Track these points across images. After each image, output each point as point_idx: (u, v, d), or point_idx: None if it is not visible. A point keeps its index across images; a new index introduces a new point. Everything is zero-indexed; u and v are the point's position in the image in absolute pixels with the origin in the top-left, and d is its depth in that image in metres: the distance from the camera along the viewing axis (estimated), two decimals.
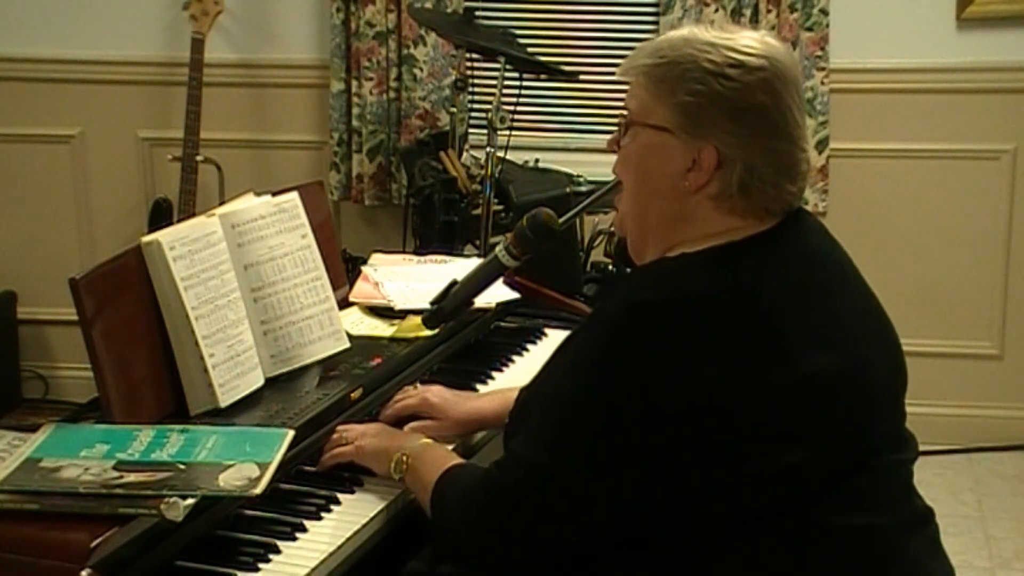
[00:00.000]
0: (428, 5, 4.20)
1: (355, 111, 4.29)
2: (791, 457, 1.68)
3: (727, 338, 1.68)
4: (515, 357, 2.57)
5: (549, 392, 1.78)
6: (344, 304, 2.52)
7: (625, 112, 1.82)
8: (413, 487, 1.97)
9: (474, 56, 4.14)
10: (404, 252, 3.36)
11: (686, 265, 1.75)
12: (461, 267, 2.63)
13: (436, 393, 2.22)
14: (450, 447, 2.11)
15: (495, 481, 1.78)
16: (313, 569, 1.81)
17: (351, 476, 2.05)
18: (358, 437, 2.07)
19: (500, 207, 3.76)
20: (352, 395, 2.20)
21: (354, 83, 4.27)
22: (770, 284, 1.74)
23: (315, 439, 2.09)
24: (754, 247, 1.76)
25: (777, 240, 1.77)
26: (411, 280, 2.66)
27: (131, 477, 1.77)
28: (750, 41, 1.76)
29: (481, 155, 3.79)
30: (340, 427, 2.11)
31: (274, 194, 2.34)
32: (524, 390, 1.95)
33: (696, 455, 1.66)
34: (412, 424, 2.18)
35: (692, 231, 1.78)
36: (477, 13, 4.18)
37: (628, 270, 3.59)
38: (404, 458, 1.99)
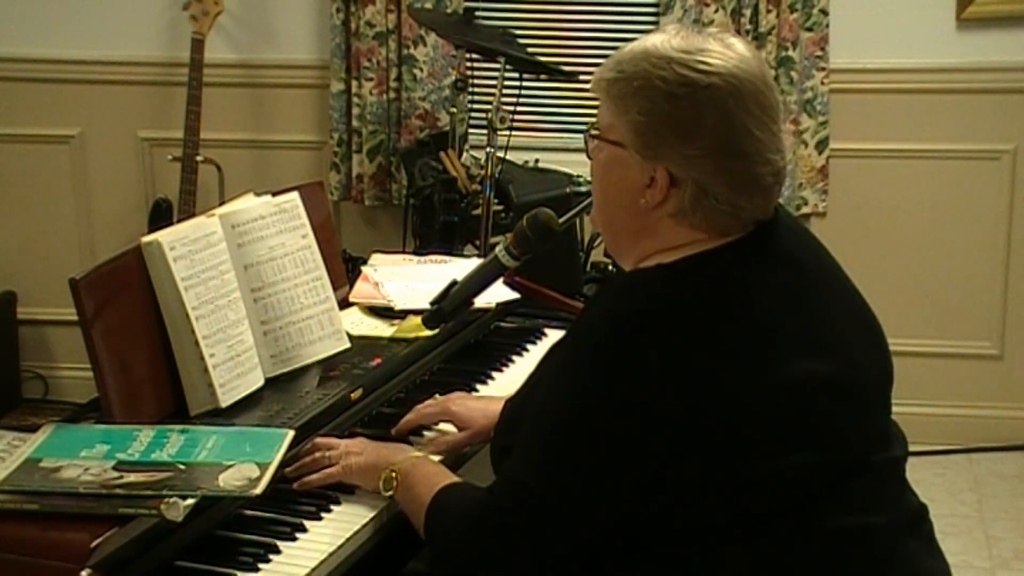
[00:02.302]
0: (428, 5, 4.21)
1: (355, 111, 4.29)
2: (782, 463, 1.68)
3: (711, 346, 1.67)
4: (515, 357, 2.57)
5: (537, 410, 1.77)
6: (344, 304, 2.52)
7: (595, 122, 1.82)
8: (404, 504, 1.94)
9: (474, 56, 4.14)
10: (404, 252, 3.36)
11: (664, 275, 1.74)
12: (461, 267, 2.63)
13: (457, 402, 2.20)
14: (438, 458, 2.09)
15: (489, 505, 1.77)
16: (313, 569, 1.81)
17: None
18: (342, 456, 2.02)
19: (500, 207, 3.76)
20: (352, 395, 2.20)
21: (354, 83, 4.27)
22: (752, 290, 1.73)
23: None
24: (732, 254, 1.75)
25: (755, 246, 1.76)
26: (411, 280, 2.66)
27: (131, 477, 1.77)
28: (708, 56, 1.72)
29: (481, 155, 3.79)
30: (319, 441, 2.06)
31: (274, 194, 2.34)
32: (510, 401, 1.94)
33: (687, 464, 1.65)
34: (437, 439, 2.16)
35: (658, 244, 1.77)
36: (477, 13, 4.18)
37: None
38: (393, 475, 1.96)
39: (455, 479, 1.94)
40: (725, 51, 1.73)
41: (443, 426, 2.22)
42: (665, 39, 1.75)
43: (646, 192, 1.75)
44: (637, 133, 1.74)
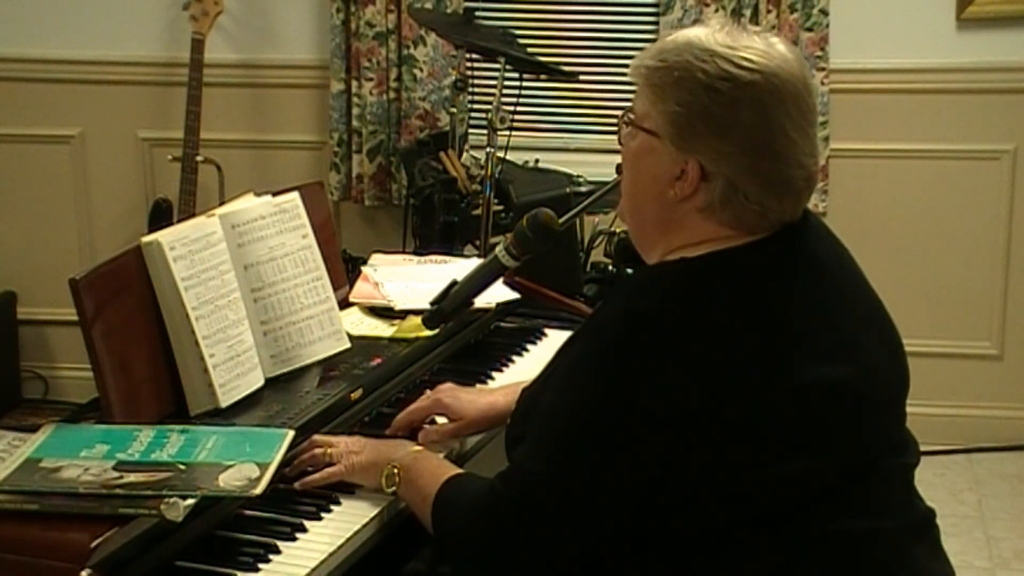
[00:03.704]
0: (428, 5, 4.21)
1: (355, 111, 4.29)
2: (793, 466, 1.68)
3: (725, 345, 1.67)
4: (515, 357, 2.57)
5: (548, 403, 1.77)
6: (344, 304, 2.52)
7: (631, 109, 1.81)
8: (408, 500, 1.95)
9: (474, 56, 4.14)
10: (404, 252, 3.36)
11: (685, 271, 1.74)
12: (461, 267, 2.63)
13: (448, 393, 2.20)
14: (442, 454, 2.10)
15: (499, 495, 1.77)
16: (313, 569, 1.81)
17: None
18: (343, 455, 2.02)
19: (500, 207, 3.76)
20: (352, 395, 2.20)
21: (354, 83, 4.27)
22: (771, 292, 1.73)
23: None
24: (755, 254, 1.74)
25: (780, 247, 1.76)
26: (411, 280, 2.66)
27: (131, 477, 1.77)
28: (751, 53, 1.71)
29: (481, 155, 3.79)
30: (317, 438, 2.06)
31: (274, 194, 2.34)
32: (526, 390, 1.94)
33: (696, 465, 1.65)
34: (428, 428, 2.17)
35: (684, 238, 1.77)
36: (477, 13, 4.18)
37: (628, 270, 3.59)
38: (395, 471, 1.96)
39: (459, 471, 1.94)
40: (768, 50, 1.73)
41: (436, 419, 2.22)
42: (709, 32, 1.75)
43: (675, 184, 1.74)
44: (673, 123, 1.73)
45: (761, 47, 1.73)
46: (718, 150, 1.71)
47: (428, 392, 2.23)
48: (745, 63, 1.71)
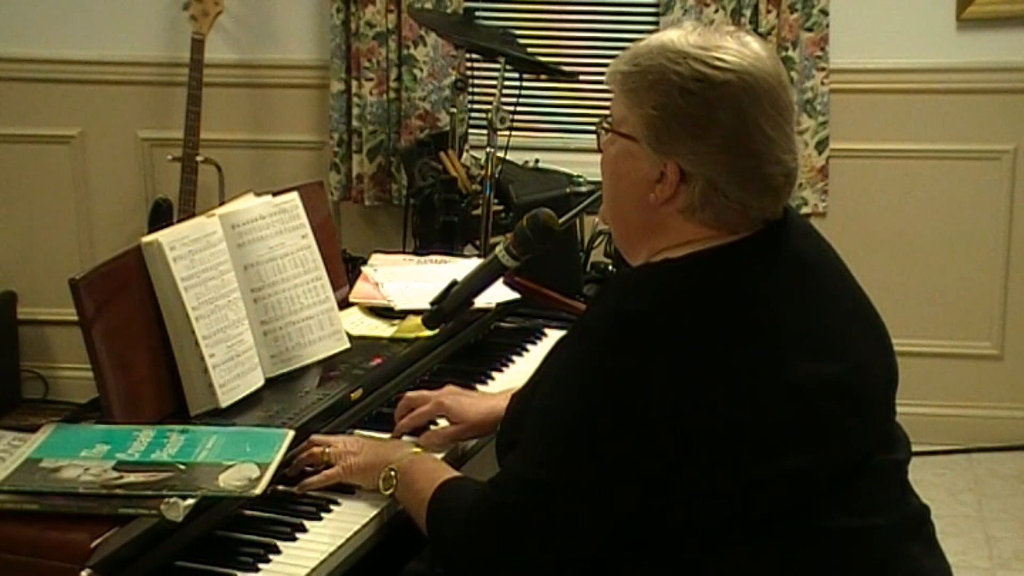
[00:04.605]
0: (428, 5, 4.21)
1: (355, 111, 4.29)
2: (785, 464, 1.68)
3: (716, 344, 1.67)
4: (515, 357, 2.57)
5: (541, 406, 1.77)
6: (344, 304, 2.52)
7: (609, 115, 1.82)
8: (405, 502, 1.94)
9: (474, 56, 4.14)
10: (404, 252, 3.36)
11: (672, 271, 1.74)
12: (461, 267, 2.63)
13: (450, 396, 2.20)
14: (440, 455, 2.10)
15: (492, 501, 1.77)
16: (313, 569, 1.81)
17: None
18: (341, 456, 2.02)
19: (500, 207, 3.76)
20: (352, 395, 2.20)
21: (354, 83, 4.27)
22: (759, 290, 1.73)
23: None
24: (738, 252, 1.75)
25: (764, 245, 1.76)
26: (411, 280, 2.66)
27: (131, 477, 1.77)
28: (724, 53, 1.72)
29: (481, 155, 3.79)
30: (315, 438, 2.06)
31: (274, 194, 2.34)
32: (516, 396, 1.94)
33: (691, 464, 1.65)
34: (429, 431, 2.17)
35: (668, 240, 1.77)
36: (477, 13, 4.18)
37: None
38: (392, 473, 1.96)
39: (455, 474, 1.94)
40: (741, 49, 1.73)
41: (438, 420, 2.22)
42: (682, 35, 1.75)
43: (656, 187, 1.75)
44: (649, 127, 1.73)
45: (734, 47, 1.73)
46: (696, 151, 1.71)
47: (424, 392, 2.23)
48: (718, 63, 1.71)
